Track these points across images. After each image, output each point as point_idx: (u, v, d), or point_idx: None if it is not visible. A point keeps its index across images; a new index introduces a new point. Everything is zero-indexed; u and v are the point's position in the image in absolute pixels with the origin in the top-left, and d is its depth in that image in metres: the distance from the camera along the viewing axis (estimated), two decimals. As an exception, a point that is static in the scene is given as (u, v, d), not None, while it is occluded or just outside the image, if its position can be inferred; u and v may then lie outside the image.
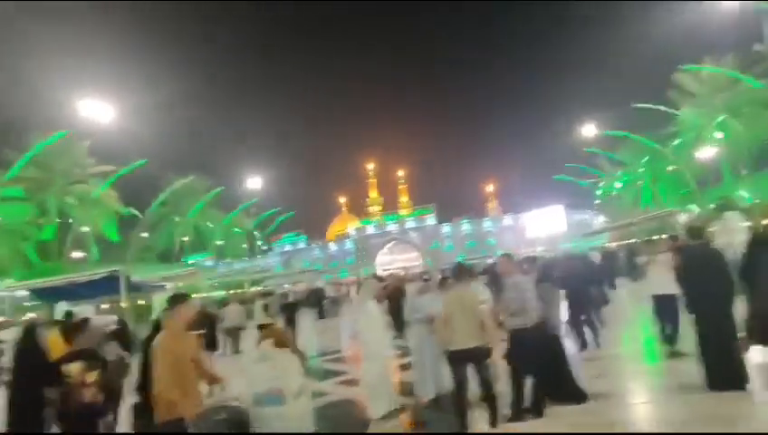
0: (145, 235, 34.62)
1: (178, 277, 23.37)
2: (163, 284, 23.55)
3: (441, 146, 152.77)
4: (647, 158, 35.44)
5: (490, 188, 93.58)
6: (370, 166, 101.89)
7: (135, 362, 6.68)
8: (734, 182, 29.59)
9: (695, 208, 28.40)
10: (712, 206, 29.22)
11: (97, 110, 28.85)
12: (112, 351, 5.64)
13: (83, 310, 16.67)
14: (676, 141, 32.29)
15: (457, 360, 4.29)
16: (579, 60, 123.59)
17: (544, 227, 65.62)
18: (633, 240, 37.28)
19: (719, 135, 28.25)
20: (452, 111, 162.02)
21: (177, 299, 3.97)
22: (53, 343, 5.68)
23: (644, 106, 28.40)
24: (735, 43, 26.48)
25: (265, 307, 11.72)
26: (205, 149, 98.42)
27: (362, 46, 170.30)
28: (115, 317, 20.79)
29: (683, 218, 27.73)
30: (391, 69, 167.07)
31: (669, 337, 6.52)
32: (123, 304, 24.16)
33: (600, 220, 73.87)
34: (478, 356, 4.18)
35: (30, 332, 5.36)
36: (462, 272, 4.57)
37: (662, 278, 6.62)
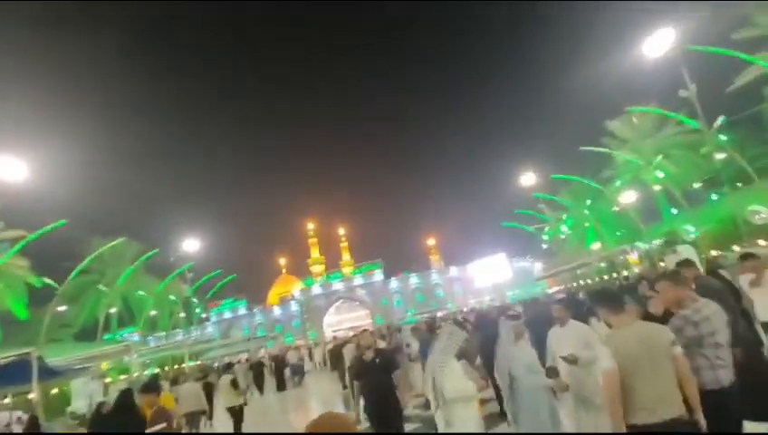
0: (63, 308, 29.77)
1: (105, 356, 19.79)
2: (86, 365, 19.75)
3: (380, 202, 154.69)
4: (589, 201, 37.02)
5: (431, 241, 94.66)
6: (310, 225, 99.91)
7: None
8: (672, 218, 31.34)
9: (643, 245, 29.31)
10: (657, 241, 30.46)
11: (7, 167, 25.32)
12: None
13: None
14: (617, 183, 34.06)
15: None
16: (516, 111, 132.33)
17: (490, 275, 66.31)
18: (579, 282, 38.02)
19: (660, 174, 30.10)
20: (390, 165, 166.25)
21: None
22: None
23: (589, 149, 29.79)
24: (662, 89, 28.71)
25: (233, 383, 9.29)
26: (134, 212, 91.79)
27: (300, 104, 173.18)
28: (16, 413, 16.67)
29: (633, 255, 28.49)
30: (327, 126, 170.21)
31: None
32: (32, 395, 19.75)
33: (538, 266, 76.27)
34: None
35: None
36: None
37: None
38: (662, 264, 27.61)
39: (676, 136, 31.20)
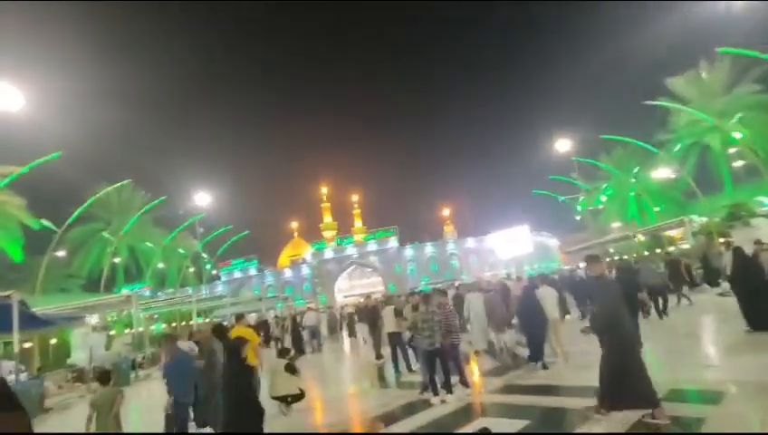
0: (63, 254, 27.72)
1: (102, 306, 17.75)
2: (82, 314, 17.69)
3: (397, 169, 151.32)
4: (637, 168, 33.54)
5: (446, 211, 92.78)
6: (324, 190, 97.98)
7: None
8: (734, 189, 28.02)
9: (698, 218, 26.28)
10: (711, 216, 27.32)
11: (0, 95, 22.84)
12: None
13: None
14: (677, 147, 30.51)
15: None
16: (554, 65, 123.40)
17: (510, 248, 63.86)
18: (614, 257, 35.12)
19: (738, 135, 26.50)
20: (410, 129, 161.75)
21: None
22: None
23: (656, 104, 26.23)
24: (738, 44, 25.00)
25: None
26: (145, 160, 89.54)
27: (320, 69, 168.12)
28: (7, 364, 14.53)
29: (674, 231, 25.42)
30: (347, 91, 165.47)
31: None
32: (25, 344, 17.73)
33: (554, 242, 73.55)
34: None
35: None
36: None
37: None
38: (721, 240, 24.66)
39: (749, 97, 27.43)
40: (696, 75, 30.19)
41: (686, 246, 27.97)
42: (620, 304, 5.21)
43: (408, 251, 69.67)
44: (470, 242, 71.06)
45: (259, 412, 5.52)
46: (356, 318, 21.55)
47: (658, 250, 29.98)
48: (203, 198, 42.65)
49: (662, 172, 32.90)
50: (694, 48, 30.05)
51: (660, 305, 12.29)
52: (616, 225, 39.53)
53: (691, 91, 30.51)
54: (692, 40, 29.61)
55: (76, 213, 23.68)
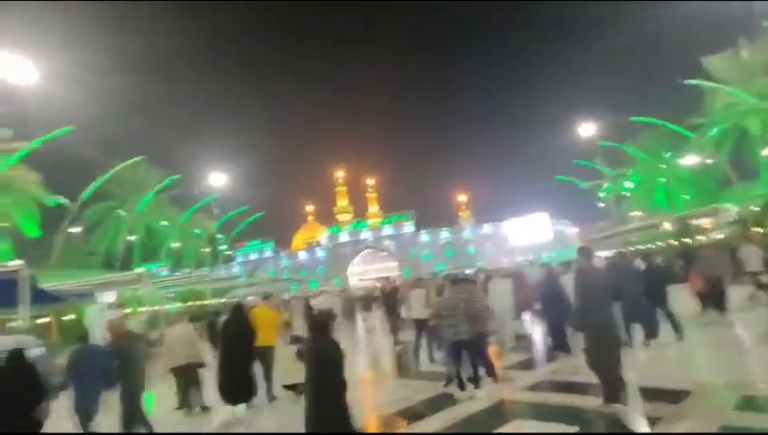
0: (76, 230, 27.63)
1: (113, 283, 17.49)
2: (93, 291, 17.46)
3: (414, 154, 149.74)
4: (667, 154, 31.91)
5: (462, 197, 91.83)
6: (340, 173, 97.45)
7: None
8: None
9: (732, 207, 24.90)
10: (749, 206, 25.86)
11: (14, 69, 22.51)
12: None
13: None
14: (714, 130, 28.86)
15: None
16: (577, 41, 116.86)
17: (528, 235, 62.80)
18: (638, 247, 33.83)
19: None
20: (426, 114, 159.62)
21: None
22: None
23: (694, 83, 24.74)
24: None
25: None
26: (161, 140, 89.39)
27: (337, 51, 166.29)
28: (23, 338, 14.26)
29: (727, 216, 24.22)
30: (365, 74, 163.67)
31: None
32: (42, 320, 17.52)
33: (572, 231, 72.05)
34: None
35: None
36: None
37: None
38: (759, 229, 23.37)
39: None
40: (735, 54, 28.40)
41: (718, 237, 26.55)
42: (601, 298, 4.94)
43: (424, 236, 69.14)
44: (487, 228, 70.17)
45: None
46: (356, 305, 20.56)
47: (687, 240, 28.67)
48: (218, 179, 42.53)
49: (694, 158, 31.35)
50: (732, 25, 28.17)
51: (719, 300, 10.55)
52: (637, 213, 38.08)
53: (729, 72, 28.69)
54: (731, 16, 27.73)
55: (91, 189, 23.45)
